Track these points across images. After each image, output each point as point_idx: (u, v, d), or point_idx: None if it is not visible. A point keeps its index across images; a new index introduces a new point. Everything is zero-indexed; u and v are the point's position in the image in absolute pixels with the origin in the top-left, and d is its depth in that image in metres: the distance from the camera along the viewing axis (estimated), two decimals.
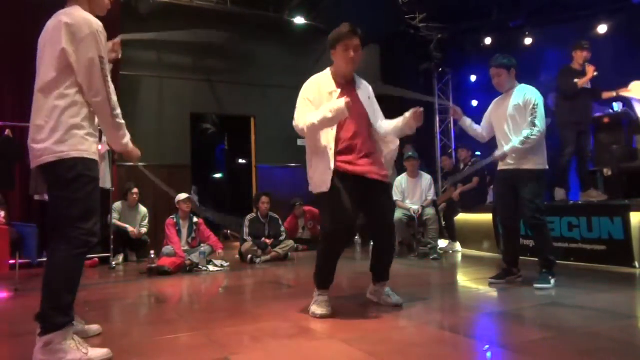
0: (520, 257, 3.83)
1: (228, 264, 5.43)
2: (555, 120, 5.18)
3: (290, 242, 6.08)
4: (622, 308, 2.91)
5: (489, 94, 4.02)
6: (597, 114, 5.67)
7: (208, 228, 5.94)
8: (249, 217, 6.11)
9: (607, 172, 5.32)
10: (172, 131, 7.82)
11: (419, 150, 6.55)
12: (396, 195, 5.92)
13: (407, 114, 2.87)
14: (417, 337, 2.37)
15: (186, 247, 5.57)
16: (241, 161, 15.10)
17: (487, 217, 5.75)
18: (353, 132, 2.81)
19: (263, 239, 5.93)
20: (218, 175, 16.55)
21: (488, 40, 7.92)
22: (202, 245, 5.69)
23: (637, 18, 6.26)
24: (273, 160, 8.44)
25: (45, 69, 2.08)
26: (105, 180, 5.84)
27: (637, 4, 6.26)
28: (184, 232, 5.69)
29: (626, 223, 4.26)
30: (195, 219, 5.82)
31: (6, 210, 5.24)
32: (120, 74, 6.86)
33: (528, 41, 7.41)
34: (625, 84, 5.38)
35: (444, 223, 6.52)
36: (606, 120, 5.65)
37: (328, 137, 2.77)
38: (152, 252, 5.20)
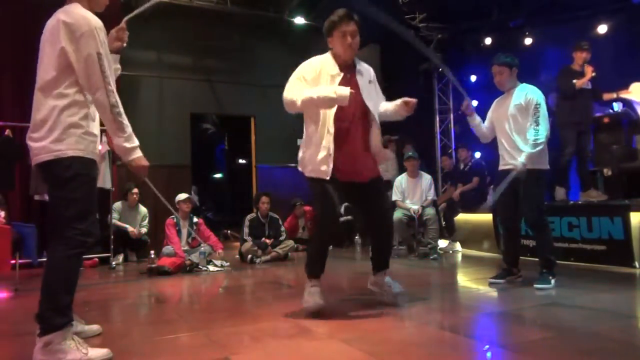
0: (520, 257, 3.83)
1: (228, 264, 5.43)
2: (555, 120, 5.18)
3: (290, 242, 6.08)
4: (622, 308, 2.91)
5: (489, 94, 4.03)
6: (597, 114, 5.66)
7: (208, 228, 5.94)
8: (249, 217, 6.11)
9: (607, 172, 5.31)
10: (172, 131, 7.82)
11: (419, 150, 6.56)
12: (396, 195, 5.92)
13: (399, 102, 2.86)
14: (417, 337, 2.37)
15: (186, 247, 5.57)
16: (241, 161, 15.11)
17: (487, 217, 5.75)
18: (348, 119, 2.78)
19: (263, 239, 5.93)
20: (218, 175, 16.55)
21: (488, 40, 7.91)
22: (202, 245, 5.69)
23: (637, 18, 6.25)
24: (273, 160, 8.44)
25: (45, 68, 2.08)
26: (105, 180, 5.85)
27: (637, 4, 6.26)
28: (184, 232, 5.70)
29: (626, 223, 4.25)
30: (195, 219, 5.82)
31: (6, 210, 5.24)
32: (120, 74, 6.85)
33: (528, 41, 7.41)
34: (625, 84, 5.38)
35: (444, 223, 6.52)
36: (606, 120, 5.65)
37: (327, 121, 2.72)
38: (152, 252, 5.21)
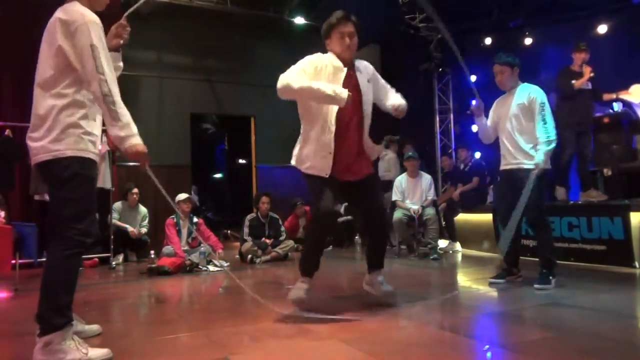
0: (521, 257, 3.83)
1: (228, 263, 5.43)
2: (555, 120, 5.18)
3: (290, 242, 6.07)
4: (622, 308, 2.91)
5: (489, 93, 4.02)
6: (597, 114, 5.67)
7: (208, 228, 5.94)
8: (249, 217, 6.11)
9: (607, 172, 5.31)
10: (172, 131, 7.82)
11: (418, 150, 6.56)
12: (396, 195, 5.92)
13: (391, 105, 2.88)
14: (417, 337, 2.37)
15: (186, 247, 5.57)
16: (241, 161, 15.12)
17: (487, 217, 5.75)
18: (346, 119, 2.78)
19: (263, 239, 5.93)
20: (218, 175, 16.55)
21: (488, 40, 7.92)
22: (202, 245, 5.69)
23: (637, 18, 6.26)
24: (273, 160, 8.44)
25: (43, 67, 2.08)
26: (105, 180, 5.85)
27: (637, 4, 6.26)
28: (184, 232, 5.70)
29: (626, 223, 4.25)
30: (195, 219, 5.83)
31: (6, 210, 5.24)
32: (120, 74, 6.86)
33: (528, 41, 7.41)
34: (625, 84, 5.38)
35: (444, 223, 6.52)
36: (606, 120, 5.65)
37: (329, 119, 2.72)
38: (152, 252, 5.21)
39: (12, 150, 5.53)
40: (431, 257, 5.49)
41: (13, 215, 5.64)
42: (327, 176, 2.76)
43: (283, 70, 2.68)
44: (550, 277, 3.44)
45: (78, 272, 2.15)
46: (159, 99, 7.85)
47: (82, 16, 2.03)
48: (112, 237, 5.87)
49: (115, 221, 6.13)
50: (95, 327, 2.53)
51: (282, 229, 6.20)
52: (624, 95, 5.25)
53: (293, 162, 2.94)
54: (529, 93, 3.55)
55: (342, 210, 7.00)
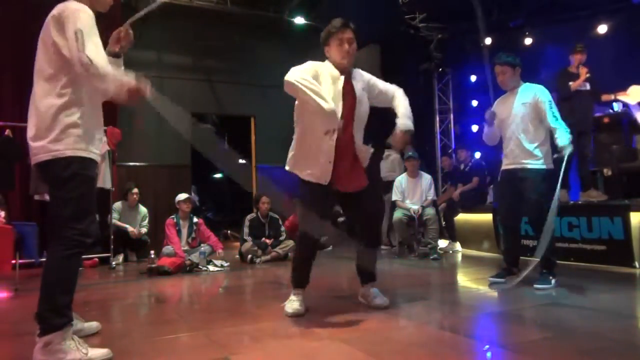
0: (521, 257, 3.83)
1: (228, 264, 5.43)
2: None
3: (290, 242, 6.06)
4: (622, 308, 2.91)
5: (489, 94, 4.02)
6: (597, 114, 5.67)
7: (208, 228, 5.94)
8: (249, 217, 6.11)
9: (607, 172, 5.31)
10: (172, 131, 7.79)
11: (418, 150, 6.55)
12: (396, 195, 5.93)
13: (398, 130, 2.86)
14: (417, 337, 2.37)
15: (186, 247, 5.58)
16: (241, 161, 15.12)
17: (487, 217, 5.75)
18: (342, 128, 2.75)
19: (263, 239, 5.93)
20: (218, 175, 16.55)
21: (488, 40, 7.92)
22: (202, 245, 5.70)
23: (637, 18, 6.25)
24: (273, 160, 8.42)
25: (41, 67, 2.08)
26: (105, 180, 5.85)
27: (637, 4, 6.26)
28: (184, 232, 5.70)
29: (626, 223, 4.25)
30: (195, 219, 5.83)
31: (6, 210, 5.24)
32: None
33: (528, 41, 7.41)
34: (625, 85, 5.37)
35: (444, 223, 6.52)
36: (606, 120, 5.65)
37: (332, 126, 2.68)
38: (152, 252, 5.21)
39: (12, 150, 5.53)
40: (431, 257, 5.49)
41: (13, 215, 5.64)
42: (327, 183, 2.75)
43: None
44: (551, 277, 3.44)
45: (78, 272, 2.15)
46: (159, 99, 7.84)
47: (70, 7, 2.02)
48: (112, 237, 5.87)
49: (115, 221, 6.13)
50: (94, 325, 2.54)
51: (282, 229, 6.20)
52: (621, 96, 5.25)
53: (289, 167, 2.88)
54: (534, 93, 3.55)
55: (340, 210, 7.00)
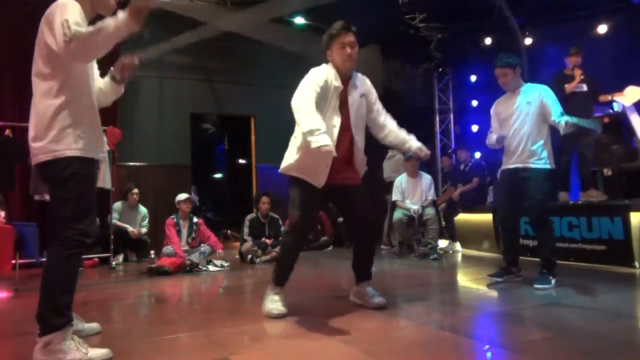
0: (521, 257, 3.84)
1: (228, 264, 5.44)
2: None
3: None
4: (622, 308, 2.91)
5: (489, 94, 4.02)
6: (597, 114, 5.67)
7: (208, 228, 5.94)
8: (249, 217, 6.12)
9: (607, 172, 5.32)
10: (172, 131, 7.81)
11: None
12: (396, 195, 5.93)
13: (415, 147, 2.91)
14: (417, 337, 2.37)
15: (186, 247, 5.58)
16: (241, 161, 15.13)
17: (487, 217, 5.75)
18: (340, 135, 2.78)
19: (263, 239, 5.93)
20: (218, 175, 16.55)
21: (488, 40, 7.92)
22: (202, 245, 5.70)
23: (637, 18, 6.25)
24: (273, 160, 8.37)
25: (39, 68, 2.08)
26: (105, 180, 5.85)
27: (637, 4, 6.26)
28: (184, 232, 5.70)
29: (626, 223, 4.25)
30: (195, 219, 5.83)
31: (6, 210, 5.24)
32: None
33: (528, 41, 7.41)
34: (625, 85, 5.37)
35: (444, 223, 6.52)
36: (606, 120, 5.65)
37: (332, 135, 2.70)
38: (152, 252, 5.20)
39: (12, 150, 5.53)
40: (431, 257, 5.49)
41: (13, 215, 5.64)
42: (320, 187, 2.75)
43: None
44: (551, 277, 3.44)
45: (78, 272, 2.15)
46: (159, 99, 7.84)
47: (58, 3, 2.01)
48: (112, 237, 5.87)
49: (115, 221, 6.13)
50: (95, 326, 2.54)
51: (282, 229, 6.20)
52: (617, 97, 5.26)
53: (287, 170, 2.85)
54: (539, 92, 3.56)
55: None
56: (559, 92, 5.06)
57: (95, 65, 2.35)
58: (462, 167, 6.93)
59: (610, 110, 5.83)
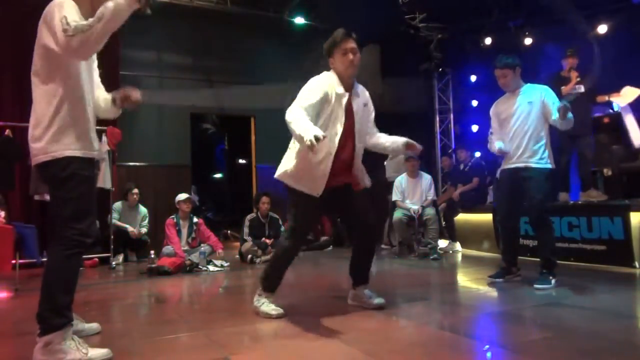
0: (521, 257, 3.84)
1: (228, 264, 5.44)
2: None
3: None
4: (622, 308, 2.91)
5: (489, 94, 4.02)
6: (597, 114, 5.67)
7: (208, 228, 5.94)
8: (249, 217, 6.12)
9: (607, 172, 5.31)
10: (172, 131, 7.82)
11: None
12: (396, 195, 5.93)
13: (402, 141, 2.93)
14: (417, 337, 2.37)
15: (186, 247, 5.58)
16: (241, 161, 15.13)
17: (487, 217, 5.75)
18: (341, 143, 2.78)
19: (263, 239, 5.93)
20: (218, 175, 16.55)
21: (488, 40, 7.92)
22: (202, 245, 5.70)
23: (637, 18, 6.25)
24: (273, 160, 8.36)
25: (37, 69, 2.08)
26: (105, 180, 5.85)
27: (637, 4, 6.26)
28: (184, 232, 5.70)
29: (626, 223, 4.25)
30: (195, 219, 5.83)
31: (6, 210, 5.23)
32: (120, 74, 6.86)
33: (528, 41, 7.41)
34: (625, 85, 5.38)
35: (444, 223, 6.52)
36: (606, 120, 5.65)
37: (332, 144, 2.72)
38: (152, 252, 5.21)
39: (12, 150, 5.53)
40: (431, 257, 5.49)
41: (13, 215, 5.64)
42: (318, 196, 2.75)
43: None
44: (551, 277, 3.45)
45: (78, 272, 2.15)
46: (159, 99, 7.85)
47: (54, 3, 2.00)
48: (112, 237, 5.87)
49: (115, 221, 6.13)
50: (95, 326, 2.54)
51: (282, 229, 6.19)
52: (614, 98, 5.26)
53: (283, 177, 2.84)
54: (540, 92, 3.56)
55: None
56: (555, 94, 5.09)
57: (95, 66, 2.35)
58: (462, 167, 6.93)
59: (610, 110, 5.83)
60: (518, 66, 3.64)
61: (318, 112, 2.71)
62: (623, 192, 5.04)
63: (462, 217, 6.42)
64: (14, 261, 4.53)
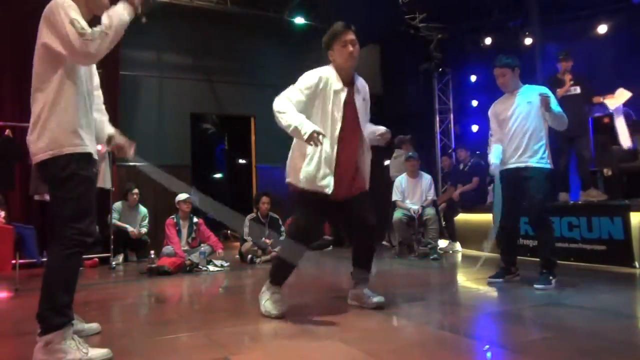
0: (520, 257, 3.84)
1: (228, 264, 5.44)
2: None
3: None
4: (622, 308, 2.91)
5: (489, 94, 4.02)
6: (597, 114, 5.67)
7: (208, 228, 5.94)
8: (249, 217, 6.11)
9: (607, 172, 5.32)
10: (172, 131, 7.82)
11: (418, 150, 6.55)
12: (396, 195, 5.93)
13: (377, 130, 2.93)
14: (417, 337, 2.37)
15: (186, 247, 5.58)
16: (241, 161, 15.12)
17: (487, 217, 5.74)
18: (347, 139, 2.79)
19: (263, 239, 5.93)
20: (218, 175, 16.55)
21: (488, 40, 7.92)
22: (202, 245, 5.70)
23: (637, 18, 6.26)
24: (273, 160, 8.42)
25: (36, 68, 2.08)
26: (105, 180, 5.85)
27: (637, 4, 6.26)
28: (184, 232, 5.70)
29: (626, 223, 4.26)
30: (195, 219, 5.83)
31: (6, 210, 5.24)
32: (120, 74, 6.86)
33: (528, 41, 7.41)
34: (625, 85, 5.38)
35: (444, 223, 6.52)
36: (606, 120, 5.65)
37: (333, 139, 2.73)
38: (152, 252, 5.21)
39: (12, 150, 5.53)
40: (431, 257, 5.49)
41: (13, 215, 5.64)
42: (330, 192, 2.72)
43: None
44: (551, 277, 3.44)
45: (78, 271, 2.15)
46: (159, 99, 7.85)
47: (56, 2, 2.00)
48: (112, 237, 5.88)
49: (115, 221, 6.13)
50: (95, 326, 2.54)
51: (282, 229, 6.20)
52: (608, 99, 5.28)
53: (297, 180, 2.78)
54: (539, 92, 3.55)
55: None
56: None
57: (94, 68, 2.35)
58: (462, 167, 6.93)
59: (610, 111, 5.83)
60: (517, 67, 3.64)
61: (308, 106, 2.73)
62: (623, 192, 5.05)
63: (462, 217, 6.42)
64: (14, 261, 4.53)
